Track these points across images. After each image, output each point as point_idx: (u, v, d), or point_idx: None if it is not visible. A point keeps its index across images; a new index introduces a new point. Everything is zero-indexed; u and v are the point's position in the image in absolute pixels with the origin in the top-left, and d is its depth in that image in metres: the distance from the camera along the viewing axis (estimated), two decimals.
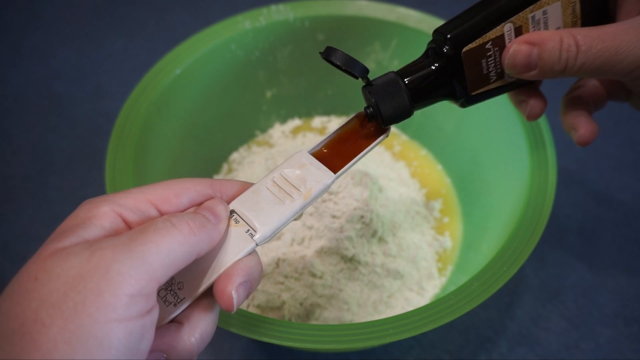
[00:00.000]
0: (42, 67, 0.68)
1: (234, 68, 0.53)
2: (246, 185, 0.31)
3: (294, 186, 0.31)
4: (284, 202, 0.30)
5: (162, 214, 0.28)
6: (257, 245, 0.29)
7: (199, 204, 0.29)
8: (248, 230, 0.29)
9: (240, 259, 0.29)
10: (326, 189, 0.32)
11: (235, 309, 0.27)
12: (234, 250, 0.29)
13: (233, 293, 0.27)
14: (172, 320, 0.28)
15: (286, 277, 0.45)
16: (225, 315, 0.35)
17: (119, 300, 0.23)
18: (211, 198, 0.30)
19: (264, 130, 0.58)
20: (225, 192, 0.31)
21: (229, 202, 0.30)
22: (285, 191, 0.31)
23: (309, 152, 0.33)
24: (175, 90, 0.49)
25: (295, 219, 0.31)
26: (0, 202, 0.56)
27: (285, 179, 0.31)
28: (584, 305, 0.49)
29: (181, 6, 0.75)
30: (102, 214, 0.26)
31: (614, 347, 0.47)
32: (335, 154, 0.33)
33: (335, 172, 0.32)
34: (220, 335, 0.47)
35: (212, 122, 0.53)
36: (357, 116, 0.34)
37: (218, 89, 0.53)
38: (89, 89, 0.65)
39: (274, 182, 0.31)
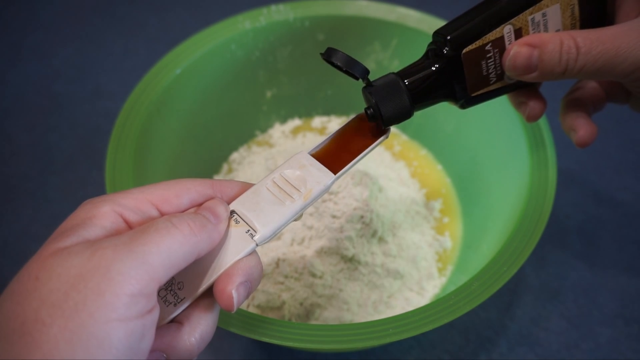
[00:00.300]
0: (42, 67, 0.68)
1: (234, 68, 0.53)
2: (246, 186, 0.31)
3: (294, 187, 0.31)
4: (284, 203, 0.30)
5: (162, 214, 0.29)
6: (257, 245, 0.29)
7: (200, 205, 0.29)
8: (248, 230, 0.29)
9: (240, 259, 0.29)
10: (326, 190, 0.32)
11: (235, 309, 0.27)
12: (234, 251, 0.29)
13: (233, 293, 0.27)
14: (172, 320, 0.28)
15: (286, 277, 0.45)
16: (225, 315, 0.35)
17: (120, 299, 0.23)
18: (211, 198, 0.30)
19: (264, 130, 0.58)
20: (226, 192, 0.31)
21: (229, 203, 0.30)
22: (285, 192, 0.31)
23: (309, 153, 0.33)
24: (175, 90, 0.49)
25: (295, 220, 0.31)
26: (0, 202, 0.56)
27: (286, 180, 0.31)
28: (584, 305, 0.49)
29: (181, 6, 0.75)
30: (102, 213, 0.27)
31: (614, 347, 0.47)
32: (336, 155, 0.33)
33: (335, 173, 0.32)
34: (220, 335, 0.47)
35: (212, 122, 0.53)
36: (357, 117, 0.35)
37: (218, 89, 0.53)
38: (89, 89, 0.65)
39: (274, 182, 0.31)
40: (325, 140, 0.34)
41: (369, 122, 0.34)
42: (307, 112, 0.59)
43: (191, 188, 0.29)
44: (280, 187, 0.31)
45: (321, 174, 0.32)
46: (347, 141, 0.34)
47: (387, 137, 0.34)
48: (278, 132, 0.58)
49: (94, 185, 0.57)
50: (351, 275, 0.45)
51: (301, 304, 0.44)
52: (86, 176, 0.58)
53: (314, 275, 0.45)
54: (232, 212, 0.30)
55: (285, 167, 0.32)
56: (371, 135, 0.34)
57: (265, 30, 0.52)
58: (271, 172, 0.32)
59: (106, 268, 0.23)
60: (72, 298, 0.23)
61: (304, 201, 0.31)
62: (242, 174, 0.54)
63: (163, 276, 0.25)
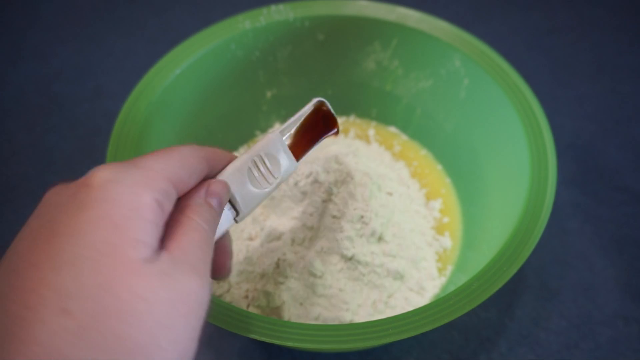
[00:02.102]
0: (42, 67, 0.68)
1: (234, 68, 0.53)
2: (232, 157, 0.34)
3: (270, 171, 0.34)
4: (262, 187, 0.34)
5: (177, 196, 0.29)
6: (236, 222, 0.33)
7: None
8: (231, 209, 0.33)
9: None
10: (290, 176, 0.36)
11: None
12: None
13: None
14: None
15: (286, 277, 0.45)
16: (225, 315, 0.35)
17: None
18: (208, 178, 0.31)
19: (264, 130, 0.58)
20: (217, 168, 0.32)
21: (217, 174, 0.33)
22: (263, 176, 0.34)
23: (280, 132, 0.36)
24: (175, 90, 0.49)
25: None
26: (0, 202, 0.56)
27: (264, 163, 0.34)
28: (584, 305, 0.49)
29: (181, 6, 0.75)
30: (146, 205, 0.25)
31: (614, 347, 0.47)
32: (298, 143, 0.36)
33: (297, 160, 0.36)
34: (220, 335, 0.47)
35: (212, 122, 0.53)
36: (313, 105, 0.38)
37: (218, 89, 0.53)
38: (89, 89, 0.65)
39: (255, 163, 0.34)
40: (293, 121, 0.36)
41: (323, 110, 0.37)
42: None
43: (197, 166, 0.30)
44: (260, 171, 0.34)
45: (289, 162, 0.35)
46: (307, 128, 0.37)
47: (338, 131, 0.38)
48: None
49: None
50: (351, 275, 0.45)
51: (301, 304, 0.44)
52: None
53: (314, 275, 0.45)
54: None
55: (264, 149, 0.34)
56: (324, 125, 0.38)
57: (265, 30, 0.52)
58: (251, 149, 0.34)
59: None
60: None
61: (275, 187, 0.34)
62: None
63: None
